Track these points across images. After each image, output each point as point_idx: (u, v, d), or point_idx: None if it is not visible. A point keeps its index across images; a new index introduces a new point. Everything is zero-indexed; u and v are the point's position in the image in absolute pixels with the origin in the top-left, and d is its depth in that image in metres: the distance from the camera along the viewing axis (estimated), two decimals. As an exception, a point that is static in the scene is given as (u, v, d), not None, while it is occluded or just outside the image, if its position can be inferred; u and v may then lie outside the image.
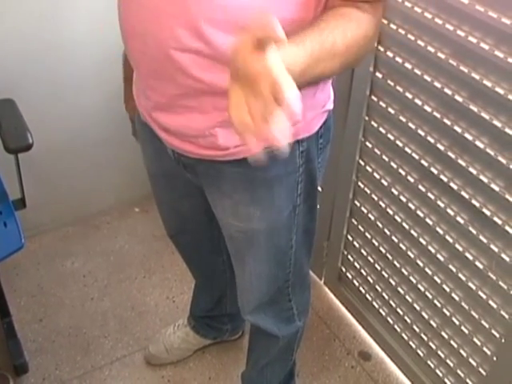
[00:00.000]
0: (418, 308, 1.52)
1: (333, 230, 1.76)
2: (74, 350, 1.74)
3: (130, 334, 1.79)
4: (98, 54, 1.84)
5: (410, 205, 1.43)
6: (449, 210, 1.32)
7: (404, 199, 1.45)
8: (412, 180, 1.41)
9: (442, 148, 1.30)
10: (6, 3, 1.65)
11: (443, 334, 1.45)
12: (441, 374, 1.52)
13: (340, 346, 1.77)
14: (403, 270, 1.52)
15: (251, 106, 0.64)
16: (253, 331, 1.46)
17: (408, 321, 1.57)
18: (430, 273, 1.43)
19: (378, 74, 1.42)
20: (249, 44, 0.64)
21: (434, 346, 1.50)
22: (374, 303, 1.70)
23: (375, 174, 1.52)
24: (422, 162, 1.36)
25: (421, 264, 1.45)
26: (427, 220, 1.39)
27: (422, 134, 1.33)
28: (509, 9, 1.06)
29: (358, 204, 1.63)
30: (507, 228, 1.20)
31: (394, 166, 1.45)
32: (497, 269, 1.25)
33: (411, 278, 1.50)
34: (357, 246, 1.69)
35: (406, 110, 1.37)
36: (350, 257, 1.75)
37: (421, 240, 1.43)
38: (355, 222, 1.67)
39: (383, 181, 1.50)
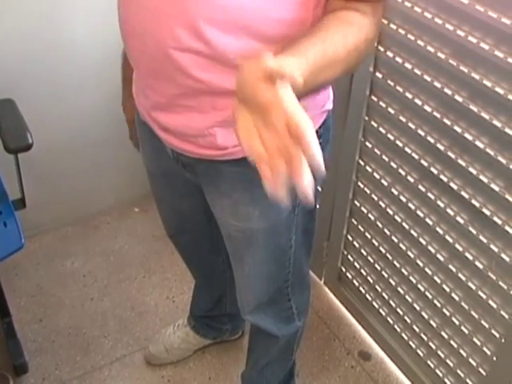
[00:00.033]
0: (417, 308, 1.52)
1: (333, 230, 1.76)
2: (74, 350, 1.74)
3: (129, 334, 1.79)
4: (98, 53, 1.84)
5: (410, 205, 1.43)
6: (449, 210, 1.32)
7: (404, 199, 1.45)
8: (412, 180, 1.41)
9: (441, 148, 1.30)
10: (5, 3, 1.65)
11: (443, 333, 1.45)
12: (441, 374, 1.52)
13: (340, 346, 1.77)
14: (403, 270, 1.52)
15: (263, 135, 0.62)
16: (252, 331, 1.46)
17: (408, 321, 1.57)
18: (429, 273, 1.43)
19: (378, 74, 1.42)
20: (258, 72, 0.63)
21: (433, 346, 1.50)
22: (374, 303, 1.70)
23: (375, 174, 1.52)
24: (422, 161, 1.36)
25: (421, 264, 1.45)
26: (427, 220, 1.39)
27: (422, 133, 1.33)
28: (509, 9, 1.06)
29: (358, 204, 1.63)
30: (507, 228, 1.20)
31: (394, 166, 1.45)
32: (497, 269, 1.25)
33: (411, 277, 1.50)
34: (357, 245, 1.69)
35: (405, 110, 1.37)
36: (349, 257, 1.75)
37: (421, 240, 1.43)
38: (355, 222, 1.67)
39: (383, 181, 1.50)
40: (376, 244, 1.60)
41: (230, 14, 0.83)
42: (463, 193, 1.28)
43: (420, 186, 1.39)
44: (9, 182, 1.61)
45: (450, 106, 1.25)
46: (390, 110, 1.42)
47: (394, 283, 1.58)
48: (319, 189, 1.57)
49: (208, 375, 1.70)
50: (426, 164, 1.35)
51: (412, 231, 1.45)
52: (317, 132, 1.08)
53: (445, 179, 1.31)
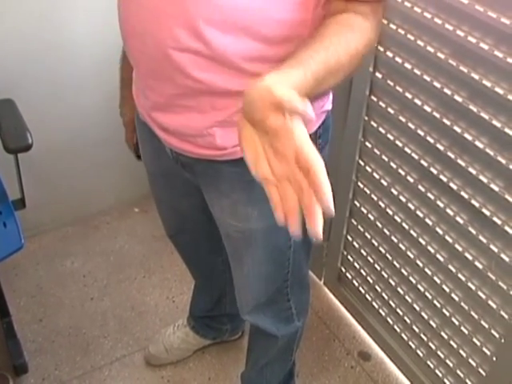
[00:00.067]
0: (417, 308, 1.51)
1: (332, 231, 1.76)
2: (74, 350, 1.74)
3: (129, 334, 1.79)
4: (98, 53, 1.84)
5: (410, 205, 1.43)
6: (448, 210, 1.32)
7: (404, 199, 1.45)
8: (412, 180, 1.41)
9: (441, 148, 1.30)
10: (5, 3, 1.65)
11: (443, 334, 1.45)
12: (440, 374, 1.52)
13: (340, 347, 1.77)
14: (403, 271, 1.52)
15: (270, 159, 0.62)
16: (252, 331, 1.46)
17: (408, 321, 1.57)
18: (429, 273, 1.43)
19: (378, 74, 1.42)
20: (269, 99, 0.62)
21: (433, 346, 1.50)
22: (374, 303, 1.70)
23: (375, 174, 1.52)
24: (422, 162, 1.36)
25: (420, 264, 1.45)
26: (427, 220, 1.39)
27: (422, 134, 1.33)
28: (508, 9, 1.06)
29: (358, 204, 1.63)
30: (507, 228, 1.20)
31: (394, 166, 1.45)
32: (496, 269, 1.25)
33: (411, 278, 1.50)
34: (356, 246, 1.69)
35: (405, 110, 1.37)
36: (349, 257, 1.75)
37: (420, 240, 1.43)
38: (355, 222, 1.67)
39: (383, 181, 1.50)
40: (376, 244, 1.60)
41: (228, 15, 0.83)
42: (463, 193, 1.28)
43: (420, 186, 1.38)
44: (9, 182, 1.61)
45: (450, 106, 1.24)
46: (389, 110, 1.42)
47: (393, 283, 1.58)
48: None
49: (208, 375, 1.70)
50: (425, 164, 1.35)
51: (412, 231, 1.45)
52: (316, 132, 1.08)
53: (444, 179, 1.31)
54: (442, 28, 1.20)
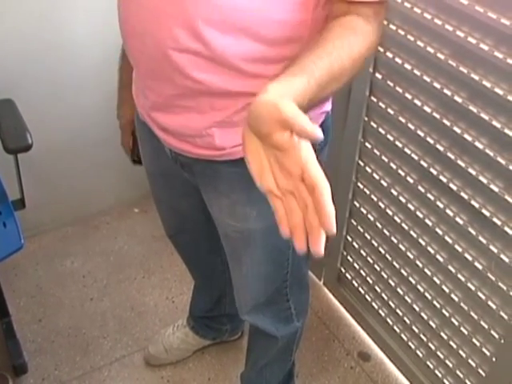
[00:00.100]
0: (417, 308, 1.51)
1: (330, 235, 1.75)
2: (74, 351, 1.74)
3: (129, 334, 1.79)
4: (98, 54, 1.84)
5: (410, 205, 1.43)
6: (448, 211, 1.32)
7: (403, 200, 1.45)
8: (411, 181, 1.41)
9: (441, 149, 1.30)
10: (5, 3, 1.65)
11: (442, 334, 1.45)
12: (440, 375, 1.52)
13: (339, 347, 1.77)
14: (403, 271, 1.52)
15: (275, 173, 0.63)
16: (251, 331, 1.46)
17: (407, 321, 1.57)
18: (429, 273, 1.43)
19: (378, 75, 1.42)
20: (276, 115, 0.62)
21: (433, 347, 1.50)
22: (374, 304, 1.70)
23: (375, 175, 1.52)
24: (422, 162, 1.36)
25: (420, 265, 1.45)
26: (427, 221, 1.39)
27: (422, 134, 1.33)
28: (508, 9, 1.06)
29: (358, 205, 1.63)
30: (506, 229, 1.20)
31: (394, 167, 1.45)
32: (496, 269, 1.25)
33: (411, 278, 1.50)
34: (356, 246, 1.69)
35: (405, 111, 1.37)
36: (349, 257, 1.75)
37: (420, 241, 1.43)
38: (355, 223, 1.67)
39: (383, 181, 1.50)
40: (375, 245, 1.60)
41: (227, 15, 0.83)
42: (463, 193, 1.28)
43: (419, 187, 1.39)
44: (8, 182, 1.61)
45: (450, 106, 1.25)
46: (389, 110, 1.42)
47: (393, 284, 1.58)
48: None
49: (207, 376, 1.70)
50: (425, 165, 1.35)
51: (411, 232, 1.45)
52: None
53: (444, 180, 1.31)
54: (442, 29, 1.20)
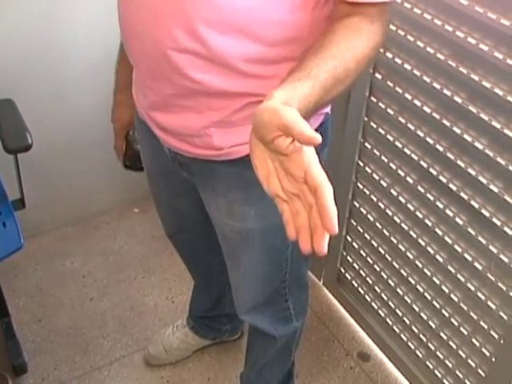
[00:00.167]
0: (417, 309, 1.52)
1: (332, 235, 1.75)
2: (73, 351, 1.74)
3: (129, 334, 1.79)
4: (98, 54, 1.84)
5: (410, 206, 1.43)
6: (448, 211, 1.32)
7: (403, 200, 1.45)
8: (411, 181, 1.41)
9: (441, 149, 1.30)
10: (5, 3, 1.65)
11: (442, 334, 1.45)
12: (440, 375, 1.52)
13: (339, 347, 1.77)
14: (402, 271, 1.52)
15: (280, 176, 0.65)
16: (250, 331, 1.46)
17: (407, 321, 1.57)
18: (429, 274, 1.43)
19: (378, 75, 1.42)
20: (277, 122, 0.63)
21: (432, 347, 1.50)
22: (373, 304, 1.70)
23: (374, 175, 1.53)
24: (422, 162, 1.36)
25: (420, 265, 1.45)
26: (426, 221, 1.39)
27: (422, 134, 1.34)
28: (508, 10, 1.07)
29: (358, 205, 1.63)
30: (506, 229, 1.20)
31: (394, 167, 1.45)
32: (496, 270, 1.25)
33: (410, 278, 1.50)
34: (356, 246, 1.69)
35: (405, 111, 1.37)
36: (349, 258, 1.75)
37: (420, 241, 1.43)
38: (354, 223, 1.67)
39: (382, 182, 1.50)
40: (375, 245, 1.60)
41: (226, 15, 0.84)
42: (462, 194, 1.28)
43: (419, 187, 1.39)
44: (8, 182, 1.61)
45: (450, 106, 1.25)
46: (389, 110, 1.42)
47: (393, 284, 1.58)
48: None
49: (207, 376, 1.70)
50: (425, 165, 1.35)
51: (411, 232, 1.45)
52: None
53: (444, 180, 1.31)
54: (442, 29, 1.20)
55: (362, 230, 1.64)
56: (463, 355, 1.41)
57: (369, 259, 1.64)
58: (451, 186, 1.30)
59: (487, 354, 1.33)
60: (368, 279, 1.68)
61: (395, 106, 1.40)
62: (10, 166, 1.53)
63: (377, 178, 1.52)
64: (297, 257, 1.19)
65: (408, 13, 1.27)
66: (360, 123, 1.51)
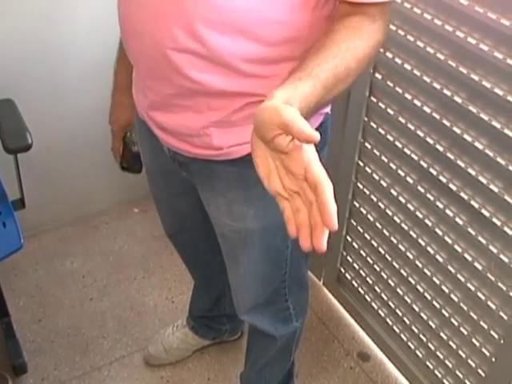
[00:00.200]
0: (417, 309, 1.52)
1: (332, 231, 1.75)
2: (73, 351, 1.74)
3: (128, 334, 1.79)
4: (98, 54, 1.84)
5: (410, 206, 1.43)
6: (448, 211, 1.32)
7: (403, 200, 1.45)
8: (411, 181, 1.41)
9: (441, 149, 1.30)
10: (5, 3, 1.65)
11: (442, 334, 1.45)
12: (440, 375, 1.52)
13: (339, 347, 1.77)
14: (402, 271, 1.52)
15: (281, 175, 0.65)
16: (250, 331, 1.46)
17: (407, 321, 1.57)
18: (429, 274, 1.43)
19: (378, 75, 1.42)
20: (277, 120, 0.63)
21: (432, 347, 1.50)
22: (373, 304, 1.70)
23: (374, 175, 1.53)
24: (422, 162, 1.36)
25: (420, 265, 1.45)
26: (426, 221, 1.39)
27: (422, 134, 1.34)
28: (508, 10, 1.07)
29: (358, 205, 1.63)
30: (506, 229, 1.20)
31: (394, 167, 1.45)
32: (496, 270, 1.25)
33: (410, 278, 1.50)
34: (356, 246, 1.69)
35: (405, 111, 1.37)
36: (349, 258, 1.75)
37: (420, 241, 1.43)
38: (354, 223, 1.67)
39: (382, 182, 1.50)
40: (375, 245, 1.60)
41: (226, 15, 0.84)
42: (462, 194, 1.28)
43: (419, 187, 1.39)
44: (8, 182, 1.61)
45: (450, 106, 1.25)
46: (389, 110, 1.42)
47: (393, 284, 1.58)
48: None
49: (207, 376, 1.70)
50: (425, 165, 1.35)
51: (411, 232, 1.45)
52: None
53: (444, 180, 1.31)
54: (442, 29, 1.20)
55: (361, 230, 1.64)
56: (463, 355, 1.41)
57: (369, 259, 1.64)
58: (451, 186, 1.30)
59: (487, 354, 1.33)
60: (368, 279, 1.68)
61: (395, 106, 1.40)
62: (10, 166, 1.53)
63: (377, 177, 1.52)
64: (296, 257, 1.19)
65: (408, 13, 1.27)
66: (360, 123, 1.51)
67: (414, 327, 1.55)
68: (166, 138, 1.04)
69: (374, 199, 1.55)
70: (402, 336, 1.61)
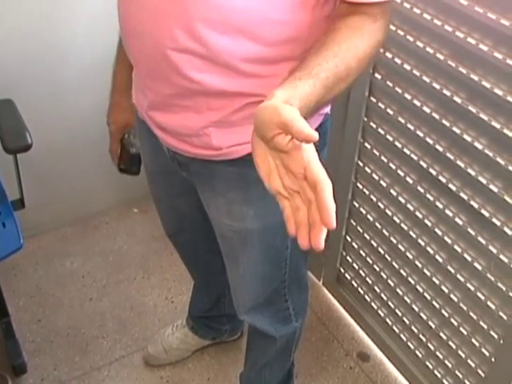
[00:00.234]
0: (416, 309, 1.52)
1: (331, 231, 1.75)
2: (73, 351, 1.74)
3: (128, 334, 1.79)
4: (98, 54, 1.84)
5: (409, 206, 1.43)
6: (448, 211, 1.32)
7: (403, 200, 1.45)
8: (411, 181, 1.41)
9: (440, 149, 1.30)
10: (5, 3, 1.65)
11: (442, 334, 1.45)
12: (439, 375, 1.52)
13: (338, 347, 1.77)
14: (402, 271, 1.52)
15: (281, 174, 0.66)
16: (250, 331, 1.46)
17: (407, 322, 1.57)
18: (428, 274, 1.43)
19: (377, 75, 1.42)
20: (276, 120, 0.64)
21: (432, 347, 1.50)
22: (373, 304, 1.70)
23: (374, 175, 1.53)
24: (421, 162, 1.36)
25: (420, 265, 1.45)
26: (426, 221, 1.39)
27: (421, 134, 1.34)
28: (508, 10, 1.07)
29: (357, 205, 1.63)
30: (506, 229, 1.20)
31: (393, 167, 1.45)
32: (495, 270, 1.25)
33: (410, 278, 1.50)
34: (355, 246, 1.69)
35: (404, 111, 1.37)
36: (348, 258, 1.75)
37: (420, 241, 1.43)
38: (354, 223, 1.67)
39: (382, 182, 1.50)
40: (375, 245, 1.60)
41: (226, 15, 0.84)
42: (462, 194, 1.28)
43: (419, 187, 1.39)
44: (8, 182, 1.61)
45: (449, 106, 1.25)
46: (389, 110, 1.42)
47: (392, 284, 1.58)
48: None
49: (207, 376, 1.70)
50: (424, 165, 1.35)
51: (411, 232, 1.45)
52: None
53: (444, 180, 1.31)
54: (442, 29, 1.20)
55: (361, 230, 1.64)
56: (463, 355, 1.41)
57: (368, 259, 1.64)
58: (451, 186, 1.30)
59: (487, 354, 1.33)
60: (368, 279, 1.68)
61: (395, 106, 1.40)
62: (10, 166, 1.53)
63: (376, 178, 1.52)
64: (296, 257, 1.19)
65: (407, 13, 1.27)
66: (360, 123, 1.51)
67: (413, 327, 1.55)
68: (166, 137, 1.04)
69: (374, 199, 1.55)
70: (402, 336, 1.61)
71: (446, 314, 1.42)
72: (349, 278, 1.78)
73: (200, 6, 0.83)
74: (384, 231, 1.54)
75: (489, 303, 1.29)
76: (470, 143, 1.22)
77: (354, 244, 1.70)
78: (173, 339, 1.71)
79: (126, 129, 1.30)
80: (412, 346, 1.59)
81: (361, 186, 1.59)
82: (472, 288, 1.32)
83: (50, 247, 2.06)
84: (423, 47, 1.26)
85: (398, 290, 1.57)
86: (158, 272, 1.99)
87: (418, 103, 1.32)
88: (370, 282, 1.68)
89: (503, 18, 1.07)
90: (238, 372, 1.59)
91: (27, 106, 1.58)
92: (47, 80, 1.82)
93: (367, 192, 1.57)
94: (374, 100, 1.45)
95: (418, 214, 1.41)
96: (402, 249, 1.49)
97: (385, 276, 1.60)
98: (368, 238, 1.62)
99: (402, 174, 1.43)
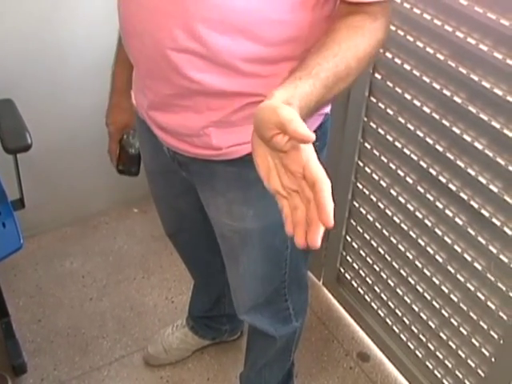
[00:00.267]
0: (416, 309, 1.52)
1: (331, 231, 1.76)
2: (73, 351, 1.74)
3: (128, 334, 1.79)
4: (98, 54, 1.84)
5: (409, 206, 1.43)
6: (448, 211, 1.32)
7: (403, 200, 1.45)
8: (411, 181, 1.41)
9: (440, 149, 1.30)
10: (5, 3, 1.65)
11: (442, 334, 1.45)
12: (439, 375, 1.52)
13: (338, 347, 1.77)
14: (402, 271, 1.52)
15: (280, 173, 0.66)
16: (250, 331, 1.46)
17: (407, 322, 1.57)
18: (428, 274, 1.43)
19: (377, 75, 1.42)
20: (275, 120, 0.64)
21: (432, 347, 1.50)
22: (373, 304, 1.70)
23: (374, 175, 1.53)
24: (421, 163, 1.36)
25: (420, 265, 1.45)
26: (426, 221, 1.39)
27: (421, 135, 1.34)
28: (508, 10, 1.07)
29: (357, 205, 1.63)
30: (506, 229, 1.20)
31: (393, 167, 1.45)
32: (495, 270, 1.25)
33: (410, 278, 1.50)
34: (355, 246, 1.69)
35: (404, 111, 1.38)
36: (348, 258, 1.75)
37: (420, 241, 1.43)
38: (354, 223, 1.67)
39: (382, 182, 1.50)
40: (375, 245, 1.60)
41: (226, 15, 0.84)
42: (462, 194, 1.28)
43: (419, 187, 1.39)
44: (8, 182, 1.61)
45: (449, 107, 1.25)
46: (389, 111, 1.42)
47: (392, 284, 1.58)
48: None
49: (207, 376, 1.70)
50: (424, 165, 1.35)
51: (411, 232, 1.45)
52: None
53: (444, 180, 1.31)
54: (442, 29, 1.20)
55: (361, 230, 1.64)
56: (463, 355, 1.41)
57: (368, 259, 1.65)
58: (451, 186, 1.30)
59: (487, 354, 1.33)
60: (368, 279, 1.68)
61: (395, 106, 1.40)
62: (10, 166, 1.53)
63: (376, 178, 1.52)
64: (296, 257, 1.19)
65: (407, 13, 1.27)
66: (359, 123, 1.51)
67: (413, 327, 1.55)
68: (166, 137, 1.04)
69: (374, 199, 1.55)
70: (402, 336, 1.62)
71: (446, 314, 1.42)
72: (349, 277, 1.78)
73: (200, 5, 0.83)
74: (384, 231, 1.54)
75: (489, 303, 1.29)
76: (470, 143, 1.22)
77: (353, 244, 1.70)
78: (173, 339, 1.71)
79: (125, 130, 1.30)
80: (412, 346, 1.59)
81: (361, 186, 1.59)
82: (472, 288, 1.32)
83: (50, 247, 2.06)
84: (423, 47, 1.26)
85: (398, 290, 1.57)
86: (157, 272, 1.99)
87: (418, 103, 1.32)
88: (370, 282, 1.68)
89: (503, 18, 1.07)
90: (237, 372, 1.59)
91: (27, 106, 1.58)
92: (47, 80, 1.82)
93: (367, 192, 1.57)
94: (374, 100, 1.45)
95: (417, 213, 1.41)
96: (402, 249, 1.49)
97: (385, 276, 1.60)
98: (368, 238, 1.62)
99: (402, 174, 1.43)
